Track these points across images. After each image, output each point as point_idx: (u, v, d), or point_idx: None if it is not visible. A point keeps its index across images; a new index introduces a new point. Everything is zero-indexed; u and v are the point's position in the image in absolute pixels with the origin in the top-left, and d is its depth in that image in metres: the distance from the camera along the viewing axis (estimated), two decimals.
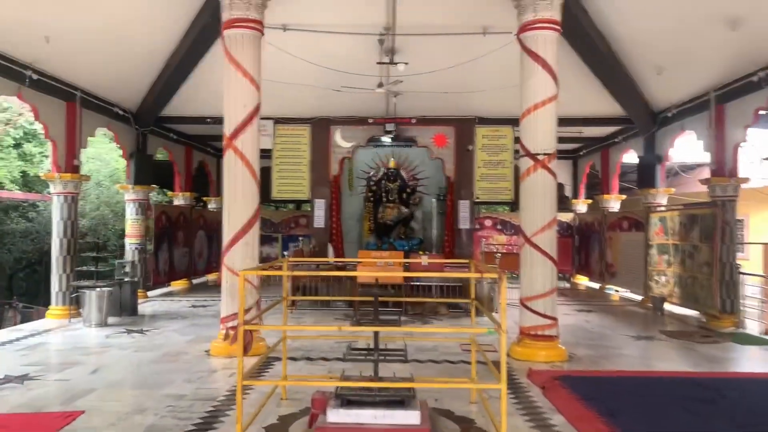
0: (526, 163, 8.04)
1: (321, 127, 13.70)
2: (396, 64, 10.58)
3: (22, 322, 15.29)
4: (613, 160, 15.97)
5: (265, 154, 14.26)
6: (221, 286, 7.89)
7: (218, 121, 13.97)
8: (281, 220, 19.29)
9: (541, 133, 7.88)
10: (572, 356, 7.91)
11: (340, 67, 11.18)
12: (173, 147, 15.83)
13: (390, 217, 15.48)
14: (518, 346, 7.93)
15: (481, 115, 13.46)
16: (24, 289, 17.56)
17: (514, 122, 13.64)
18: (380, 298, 5.80)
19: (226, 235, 7.82)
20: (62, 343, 8.58)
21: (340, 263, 11.91)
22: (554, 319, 7.91)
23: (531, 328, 7.85)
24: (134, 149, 13.64)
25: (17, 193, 15.64)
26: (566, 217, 19.05)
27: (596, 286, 16.62)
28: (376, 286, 11.49)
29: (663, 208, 13.20)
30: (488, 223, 18.50)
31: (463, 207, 13.49)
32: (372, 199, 15.77)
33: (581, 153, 17.68)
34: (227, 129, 7.96)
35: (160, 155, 17.99)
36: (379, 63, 10.87)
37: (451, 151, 13.60)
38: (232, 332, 7.63)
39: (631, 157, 15.37)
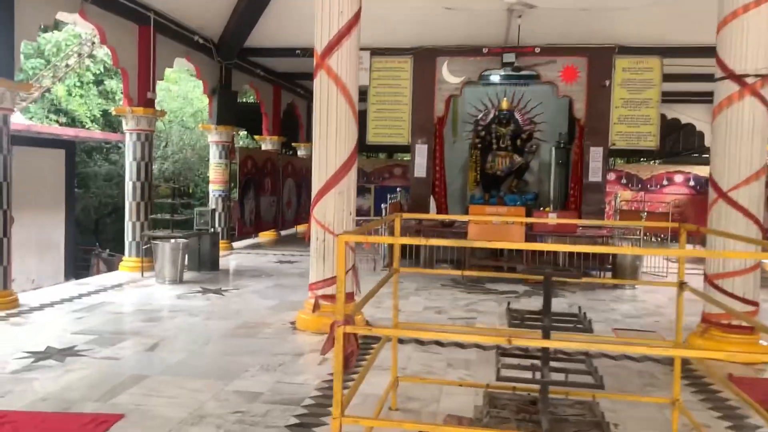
0: (725, 89, 5.82)
1: (425, 58, 11.71)
2: None
3: (106, 270, 14.61)
4: None
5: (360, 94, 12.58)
6: (309, 243, 6.26)
7: (309, 53, 12.38)
8: (373, 169, 17.64)
9: (752, 46, 5.60)
10: None
11: None
12: (260, 85, 14.35)
13: (500, 167, 13.44)
14: (700, 338, 5.87)
15: (622, 42, 11.01)
16: (111, 235, 16.96)
17: (663, 52, 11.20)
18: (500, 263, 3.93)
19: (317, 182, 6.13)
20: (127, 303, 7.31)
21: (447, 221, 10.07)
22: (756, 304, 5.78)
23: (721, 315, 5.76)
24: (217, 84, 12.22)
25: (96, 132, 14.79)
26: (707, 170, 16.30)
27: None
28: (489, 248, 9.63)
29: None
30: (611, 176, 16.07)
31: (595, 155, 11.23)
32: (479, 145, 13.75)
33: None
34: (318, 45, 6.19)
35: (246, 99, 16.70)
36: None
37: (583, 87, 11.27)
38: (322, 302, 6.04)
39: None
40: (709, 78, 10.82)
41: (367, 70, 11.79)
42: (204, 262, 9.69)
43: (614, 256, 9.12)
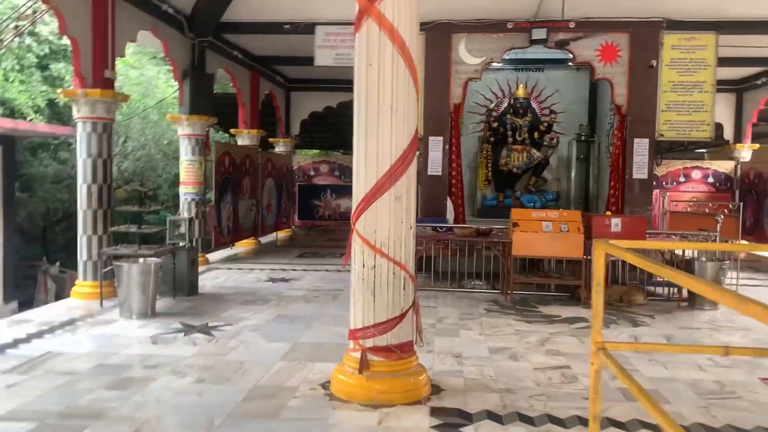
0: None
1: (439, 35, 9.90)
2: None
3: (55, 290, 12.34)
4: None
5: None
6: (350, 270, 4.36)
7: (300, 27, 10.45)
8: (298, 166, 15.88)
9: None
10: None
11: None
12: (237, 70, 12.31)
13: (517, 162, 11.75)
14: None
15: (671, 15, 9.42)
16: (61, 245, 14.64)
17: (719, 27, 9.67)
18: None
19: (361, 182, 4.23)
20: (83, 355, 5.26)
21: (483, 229, 8.25)
22: None
23: None
24: (189, 66, 10.18)
25: (41, 125, 12.46)
26: (725, 166, 14.96)
27: None
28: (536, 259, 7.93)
29: None
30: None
31: (640, 148, 9.60)
32: (492, 139, 12.05)
33: (757, 83, 13.39)
34: None
35: (218, 87, 14.64)
36: None
37: (624, 68, 9.63)
38: (373, 357, 4.21)
39: None
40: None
41: None
42: (181, 286, 7.68)
43: (690, 269, 7.48)
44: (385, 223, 4.19)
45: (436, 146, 9.96)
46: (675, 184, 15.17)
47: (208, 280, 8.88)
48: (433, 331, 6.09)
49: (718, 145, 18.55)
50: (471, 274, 8.54)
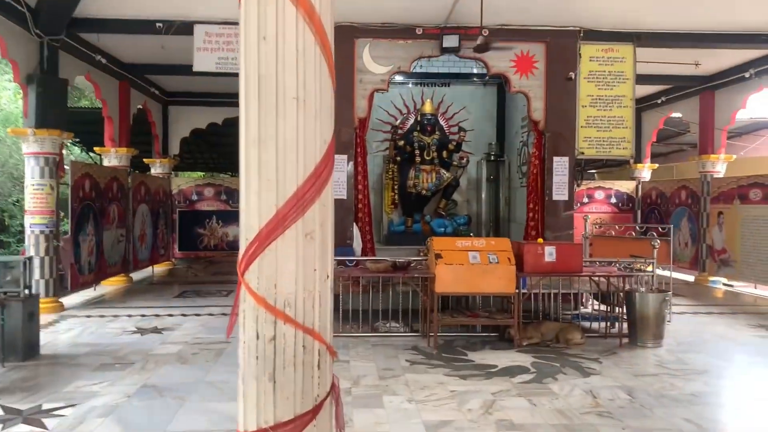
0: None
1: (340, 39, 8.68)
2: None
3: None
4: (723, 107, 11.65)
5: None
6: (240, 344, 2.93)
7: (175, 27, 8.84)
8: (178, 190, 14.25)
9: None
10: None
11: None
12: (101, 78, 10.47)
13: (426, 184, 10.71)
14: None
15: (588, 25, 8.79)
16: None
17: (637, 38, 9.14)
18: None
19: (251, 210, 2.84)
20: None
21: (400, 262, 7.01)
22: None
23: None
24: (36, 69, 8.32)
25: None
26: (626, 186, 14.86)
27: (688, 277, 12.38)
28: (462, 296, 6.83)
29: None
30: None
31: (560, 167, 8.84)
32: (398, 158, 10.97)
33: (658, 101, 13.31)
34: None
35: (83, 101, 12.71)
36: None
37: (540, 81, 8.87)
38: None
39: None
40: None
41: None
42: (13, 348, 5.85)
43: (631, 302, 6.65)
44: (290, 272, 2.81)
45: (339, 166, 8.68)
46: (579, 205, 14.84)
47: (58, 334, 7.03)
48: (349, 399, 4.76)
49: (617, 165, 18.73)
50: (386, 313, 7.30)
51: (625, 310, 6.78)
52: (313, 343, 2.95)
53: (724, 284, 11.56)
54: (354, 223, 8.71)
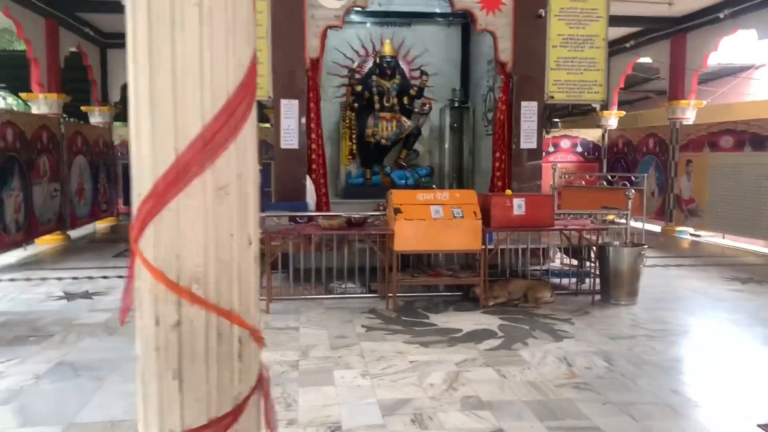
0: None
1: None
2: None
3: None
4: (696, 49, 11.15)
5: None
6: (136, 332, 2.29)
7: None
8: None
9: None
10: None
11: None
12: (23, 15, 9.37)
13: (386, 133, 10.01)
14: None
15: None
16: None
17: None
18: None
19: (143, 160, 2.16)
20: None
21: (356, 218, 6.34)
22: None
23: None
24: None
25: None
26: (593, 134, 14.41)
27: (655, 228, 12.09)
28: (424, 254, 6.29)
29: None
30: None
31: (528, 112, 8.24)
32: (355, 105, 10.21)
33: (627, 45, 12.74)
34: None
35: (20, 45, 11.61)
36: None
37: (508, 18, 8.16)
38: None
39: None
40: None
41: None
42: None
43: (605, 257, 6.19)
44: (197, 239, 2.14)
45: (290, 112, 7.92)
46: (544, 154, 14.36)
47: None
48: (295, 375, 4.17)
49: (582, 113, 18.30)
50: (341, 272, 6.70)
51: (597, 266, 6.32)
52: (231, 329, 2.27)
53: (692, 234, 11.31)
54: (307, 176, 8.01)
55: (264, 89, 7.87)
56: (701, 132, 10.86)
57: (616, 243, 6.35)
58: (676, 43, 11.45)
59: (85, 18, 11.44)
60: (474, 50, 10.84)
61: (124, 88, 13.20)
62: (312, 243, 6.57)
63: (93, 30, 11.94)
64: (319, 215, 6.64)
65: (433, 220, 5.82)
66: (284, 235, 6.01)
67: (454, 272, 6.30)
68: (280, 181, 7.93)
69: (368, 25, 10.57)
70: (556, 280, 6.93)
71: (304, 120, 7.94)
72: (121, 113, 13.61)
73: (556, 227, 6.20)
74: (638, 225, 7.93)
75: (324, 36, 8.11)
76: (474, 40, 10.75)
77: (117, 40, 12.70)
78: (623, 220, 6.65)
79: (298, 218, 6.71)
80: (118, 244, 10.40)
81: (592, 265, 6.48)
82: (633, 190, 6.77)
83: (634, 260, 6.11)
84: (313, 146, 8.20)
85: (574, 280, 6.75)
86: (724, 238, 10.68)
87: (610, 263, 6.14)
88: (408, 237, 5.78)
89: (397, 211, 5.84)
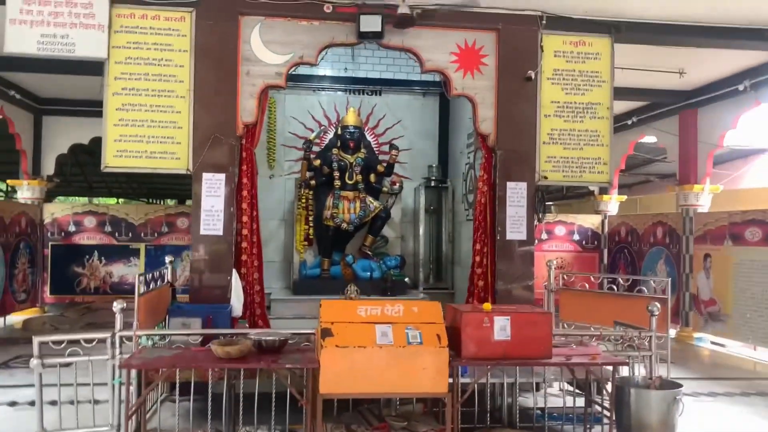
0: None
1: (219, 15, 6.30)
2: None
3: None
4: (709, 127, 9.70)
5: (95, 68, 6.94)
6: None
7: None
8: (146, 219, 11.50)
9: None
10: None
11: None
12: None
13: (347, 216, 8.33)
14: None
15: (552, 10, 6.63)
16: None
17: (616, 29, 7.03)
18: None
19: None
20: None
21: (266, 342, 4.47)
22: None
23: None
24: None
25: None
26: (590, 221, 12.78)
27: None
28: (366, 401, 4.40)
29: None
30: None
31: (515, 195, 6.58)
32: (312, 182, 8.60)
33: (629, 122, 11.33)
34: None
35: None
36: None
37: (491, 81, 6.63)
38: None
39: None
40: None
41: (105, 29, 6.09)
42: None
43: (624, 402, 4.33)
44: None
45: (214, 189, 6.23)
46: (537, 242, 12.68)
47: None
48: None
49: (579, 196, 16.78)
50: (254, 406, 4.77)
51: (613, 413, 4.44)
52: None
53: (713, 343, 9.46)
54: (234, 271, 6.22)
55: (183, 160, 6.21)
56: (721, 222, 9.23)
57: (638, 379, 4.50)
58: (686, 119, 10.02)
59: (11, 79, 9.97)
60: (454, 121, 9.40)
61: (60, 160, 11.65)
62: (219, 372, 4.68)
63: (22, 94, 10.45)
64: (222, 333, 4.77)
65: (377, 348, 3.99)
66: (158, 368, 4.12)
67: (410, 423, 4.39)
68: (196, 276, 6.14)
69: (332, 92, 9.17)
70: (557, 426, 5.01)
71: (233, 200, 6.24)
72: (54, 188, 11.97)
73: (554, 361, 4.34)
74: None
75: (263, 97, 6.54)
76: (453, 110, 9.32)
77: (53, 105, 11.25)
78: (645, 343, 4.83)
79: (190, 339, 4.83)
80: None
81: (605, 409, 4.61)
82: (658, 305, 4.96)
83: (667, 408, 4.25)
84: (245, 232, 6.46)
85: (580, 425, 4.84)
86: (755, 350, 8.83)
87: (632, 411, 4.28)
88: (340, 373, 3.94)
89: (325, 333, 4.01)
